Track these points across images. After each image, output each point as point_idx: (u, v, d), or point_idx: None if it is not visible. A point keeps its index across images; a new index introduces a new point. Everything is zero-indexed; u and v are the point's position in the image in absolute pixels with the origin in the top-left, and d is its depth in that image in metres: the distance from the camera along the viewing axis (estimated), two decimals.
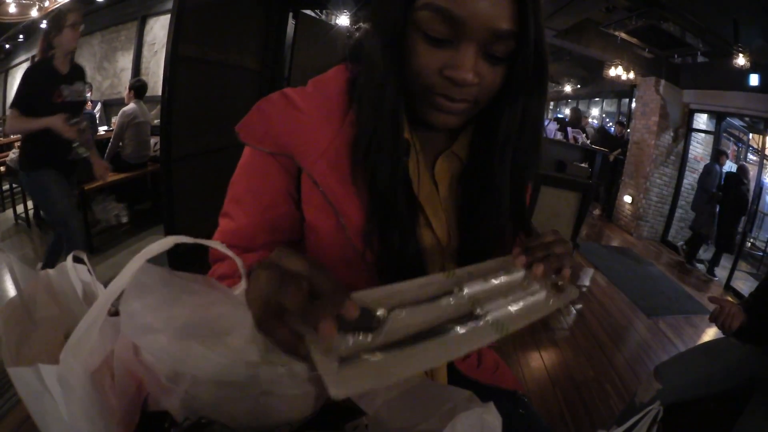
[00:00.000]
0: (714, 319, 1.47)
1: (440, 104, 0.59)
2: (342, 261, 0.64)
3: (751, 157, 6.38)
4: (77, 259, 0.63)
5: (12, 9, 6.21)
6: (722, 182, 5.36)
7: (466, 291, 0.52)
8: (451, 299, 0.51)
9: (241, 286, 0.47)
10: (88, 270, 0.62)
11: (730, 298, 1.54)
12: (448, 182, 0.70)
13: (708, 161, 6.08)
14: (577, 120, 6.50)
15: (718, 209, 5.24)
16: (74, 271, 0.60)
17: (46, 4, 6.24)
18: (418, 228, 0.65)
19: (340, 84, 0.66)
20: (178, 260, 2.93)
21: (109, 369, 0.45)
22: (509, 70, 0.59)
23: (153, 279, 0.42)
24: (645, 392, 1.65)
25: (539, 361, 2.67)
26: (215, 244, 0.47)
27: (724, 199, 5.09)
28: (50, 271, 0.58)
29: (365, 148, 0.61)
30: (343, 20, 4.82)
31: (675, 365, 1.64)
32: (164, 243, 0.42)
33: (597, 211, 7.10)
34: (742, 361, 1.53)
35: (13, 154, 4.37)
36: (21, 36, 7.21)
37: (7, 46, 7.37)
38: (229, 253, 0.46)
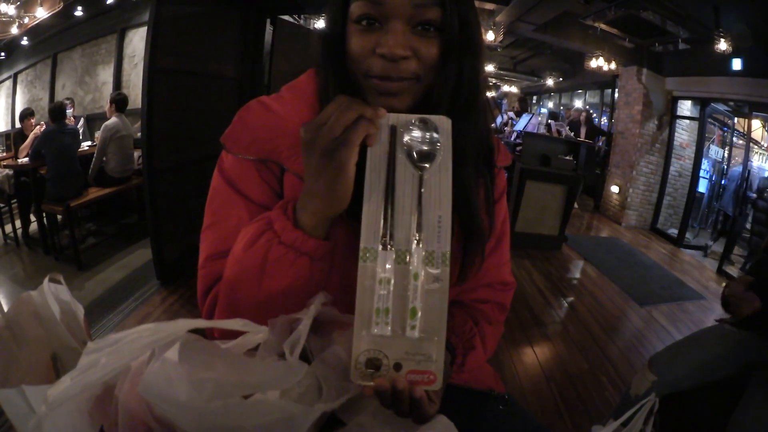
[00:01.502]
0: (726, 305, 1.47)
1: (379, 87, 0.61)
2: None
3: (736, 141, 6.41)
4: (54, 281, 0.63)
5: None
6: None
7: None
8: None
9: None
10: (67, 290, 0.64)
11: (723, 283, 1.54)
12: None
13: (693, 147, 6.12)
14: (590, 122, 6.67)
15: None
16: (50, 294, 0.61)
17: (26, 20, 6.18)
18: None
19: (312, 87, 0.70)
20: (166, 271, 2.93)
21: (101, 411, 0.46)
22: (443, 42, 0.61)
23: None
24: (640, 384, 1.64)
25: (532, 356, 2.67)
26: (230, 323, 0.51)
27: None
28: (32, 292, 0.60)
29: None
30: (322, 24, 4.78)
31: (669, 356, 1.64)
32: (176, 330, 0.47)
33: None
34: (736, 348, 1.53)
35: None
36: (2, 54, 7.15)
37: None
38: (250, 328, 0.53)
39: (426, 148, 0.55)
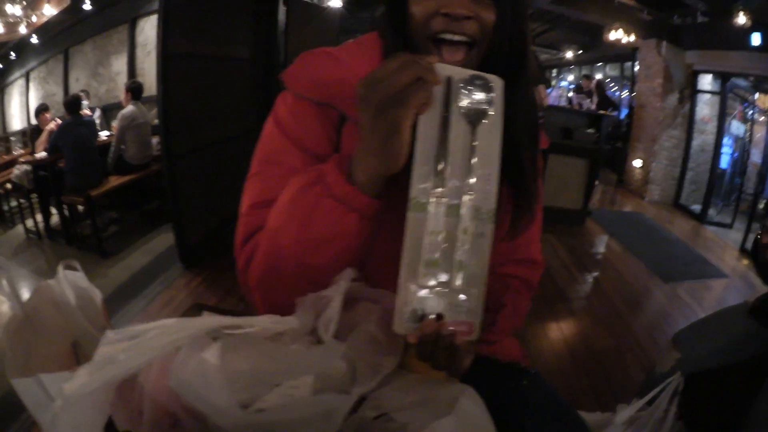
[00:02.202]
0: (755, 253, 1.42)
1: (443, 40, 0.62)
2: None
3: (757, 117, 6.23)
4: (69, 267, 0.62)
5: None
6: None
7: None
8: None
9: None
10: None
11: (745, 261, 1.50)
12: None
13: (715, 122, 5.96)
14: (602, 91, 6.53)
15: None
16: (66, 281, 0.60)
17: (34, 19, 6.20)
18: None
19: (378, 46, 0.70)
20: (189, 254, 2.95)
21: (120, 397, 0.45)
22: (497, 13, 0.63)
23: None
24: (664, 362, 1.60)
25: (558, 332, 2.65)
26: (258, 320, 0.51)
27: None
28: (51, 281, 0.60)
29: None
30: (336, 2, 4.73)
31: (693, 333, 1.60)
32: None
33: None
34: (758, 330, 1.48)
35: (17, 170, 4.39)
36: (13, 54, 7.20)
37: (0, 66, 7.36)
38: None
39: (480, 105, 0.54)
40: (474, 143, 0.54)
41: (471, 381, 0.63)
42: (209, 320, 0.46)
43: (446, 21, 0.61)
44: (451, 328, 0.53)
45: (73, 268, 0.62)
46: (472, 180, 0.53)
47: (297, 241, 0.57)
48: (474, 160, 0.54)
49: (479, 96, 0.54)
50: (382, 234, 0.61)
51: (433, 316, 0.52)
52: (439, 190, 0.52)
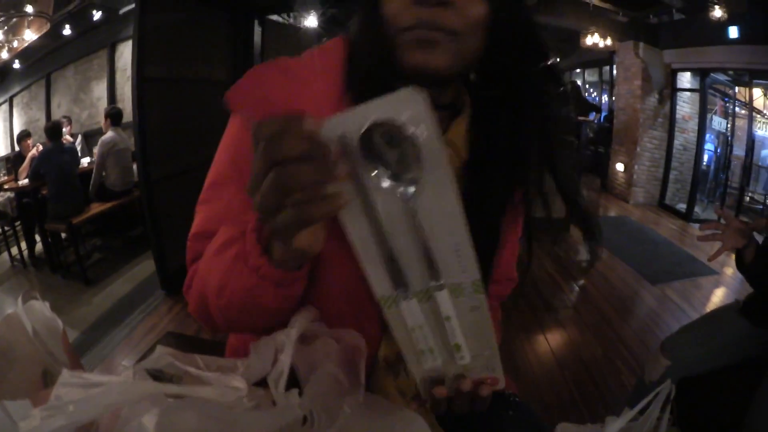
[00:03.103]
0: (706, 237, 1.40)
1: (417, 37, 0.54)
2: None
3: (738, 111, 6.31)
4: (31, 297, 0.63)
5: None
6: None
7: None
8: None
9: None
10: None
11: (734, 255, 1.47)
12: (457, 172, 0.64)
13: (695, 120, 6.02)
14: (578, 95, 6.46)
15: None
16: (27, 311, 0.61)
17: (15, 44, 6.18)
18: None
19: (339, 55, 0.62)
20: (170, 281, 2.92)
21: None
22: (489, 10, 0.55)
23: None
24: (653, 370, 1.58)
25: (544, 343, 2.63)
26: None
27: None
28: (19, 310, 0.60)
29: None
30: (312, 21, 4.75)
31: (682, 339, 1.58)
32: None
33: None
34: (751, 330, 1.47)
35: (0, 198, 4.35)
36: None
37: None
38: None
39: (402, 161, 0.38)
40: (416, 218, 0.42)
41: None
42: (163, 387, 0.45)
43: (418, 11, 0.53)
44: (474, 381, 0.52)
45: (35, 298, 0.62)
46: (436, 257, 0.45)
47: (218, 297, 0.54)
48: (428, 239, 0.43)
49: (395, 136, 0.38)
50: (334, 271, 0.57)
51: (450, 379, 0.52)
52: (400, 283, 0.46)
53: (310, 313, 0.55)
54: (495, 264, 0.68)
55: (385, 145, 0.37)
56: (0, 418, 0.41)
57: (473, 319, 0.48)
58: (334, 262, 0.55)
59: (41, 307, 0.63)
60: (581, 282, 3.58)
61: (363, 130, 0.37)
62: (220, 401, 0.47)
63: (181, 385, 0.47)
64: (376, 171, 0.39)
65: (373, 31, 0.57)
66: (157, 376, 0.48)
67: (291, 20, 4.92)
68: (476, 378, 0.52)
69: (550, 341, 2.66)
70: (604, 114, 7.95)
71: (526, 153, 0.64)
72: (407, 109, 0.36)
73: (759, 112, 6.14)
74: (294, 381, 0.51)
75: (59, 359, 0.59)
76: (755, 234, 1.39)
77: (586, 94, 9.48)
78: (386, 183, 0.39)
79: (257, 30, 3.71)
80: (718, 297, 3.54)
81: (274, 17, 4.07)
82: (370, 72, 0.58)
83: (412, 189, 0.39)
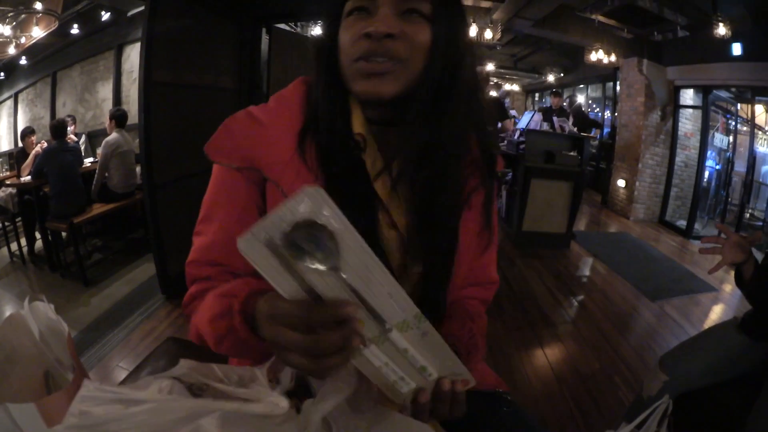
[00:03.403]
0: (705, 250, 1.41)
1: (365, 68, 0.62)
2: None
3: (740, 127, 6.33)
4: (36, 299, 0.62)
5: None
6: None
7: None
8: None
9: None
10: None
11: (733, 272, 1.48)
12: (408, 180, 0.71)
13: (697, 136, 6.05)
14: (576, 109, 6.41)
15: None
16: (33, 312, 0.60)
17: (23, 40, 6.22)
18: (379, 225, 0.68)
19: (299, 96, 0.72)
20: (170, 285, 2.92)
21: None
22: (432, 32, 0.64)
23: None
24: (651, 385, 1.59)
25: (543, 358, 2.63)
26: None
27: None
28: (23, 311, 0.60)
29: (319, 149, 0.67)
30: (319, 31, 4.78)
31: (680, 354, 1.59)
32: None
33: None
34: (749, 345, 1.48)
35: (2, 193, 4.36)
36: (2, 74, 7.21)
37: None
38: None
39: (320, 242, 0.43)
40: (349, 285, 0.45)
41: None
42: (202, 403, 0.45)
43: (369, 42, 0.61)
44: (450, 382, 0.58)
45: (41, 300, 0.62)
46: (376, 308, 0.48)
47: (216, 348, 0.62)
48: (365, 297, 0.47)
49: (312, 244, 0.42)
50: None
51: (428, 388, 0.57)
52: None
53: None
54: (457, 263, 0.74)
55: (306, 240, 0.42)
56: (2, 420, 0.40)
57: (427, 343, 0.55)
58: None
59: (45, 308, 0.62)
60: (580, 297, 3.58)
61: (283, 234, 0.42)
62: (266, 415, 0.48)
63: (229, 401, 0.47)
64: (305, 262, 0.43)
65: (326, 62, 0.67)
66: (192, 389, 0.49)
67: (298, 29, 4.96)
68: (452, 378, 0.58)
69: (549, 356, 2.66)
70: (606, 130, 7.98)
71: (461, 147, 0.71)
72: (311, 204, 0.42)
73: (761, 128, 6.17)
74: (306, 391, 0.54)
75: (62, 362, 0.59)
76: (755, 251, 1.40)
77: (589, 110, 9.52)
78: (316, 266, 0.43)
79: (264, 38, 3.73)
80: (716, 314, 3.55)
81: (282, 26, 4.09)
82: (325, 101, 0.67)
83: (332, 260, 0.44)
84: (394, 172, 0.69)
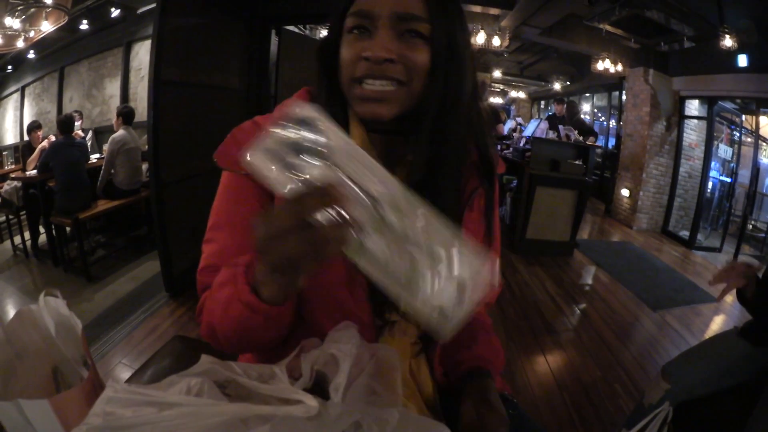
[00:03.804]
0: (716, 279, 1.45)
1: (365, 92, 0.64)
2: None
3: (745, 139, 6.34)
4: (50, 294, 0.63)
5: None
6: None
7: None
8: None
9: None
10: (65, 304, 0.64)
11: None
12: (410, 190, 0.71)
13: (702, 147, 6.05)
14: (573, 114, 6.36)
15: None
16: (47, 308, 0.60)
17: (32, 34, 6.25)
18: None
19: (304, 101, 0.72)
20: (174, 283, 2.93)
21: None
22: (432, 52, 0.64)
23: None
24: (653, 393, 1.61)
25: (544, 365, 2.63)
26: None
27: None
28: (33, 306, 0.60)
29: None
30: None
31: (682, 363, 1.60)
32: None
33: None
34: (750, 354, 1.49)
35: (7, 186, 4.38)
36: (9, 67, 7.24)
37: None
38: None
39: (310, 142, 0.48)
40: (344, 171, 0.48)
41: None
42: (240, 408, 0.43)
43: (367, 66, 0.63)
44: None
45: (54, 295, 0.62)
46: (371, 191, 0.48)
47: (221, 326, 0.63)
48: (359, 180, 0.48)
49: (308, 148, 0.48)
50: (318, 281, 0.66)
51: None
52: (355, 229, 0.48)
53: (354, 331, 0.58)
54: None
55: (300, 142, 0.49)
56: (14, 415, 0.40)
57: (426, 223, 0.50)
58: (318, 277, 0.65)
59: (57, 304, 0.63)
60: (582, 305, 3.58)
61: (280, 141, 0.49)
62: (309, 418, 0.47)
63: (263, 403, 0.47)
64: (301, 158, 0.48)
65: (327, 73, 0.69)
66: (222, 387, 0.49)
67: (307, 32, 4.98)
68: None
69: (550, 362, 2.66)
70: (609, 140, 7.95)
71: (464, 158, 0.73)
72: (302, 108, 0.50)
73: (765, 140, 6.17)
74: (322, 388, 0.54)
75: (71, 358, 0.58)
76: (754, 258, 1.45)
77: (594, 119, 9.52)
78: (310, 161, 0.49)
79: (274, 40, 3.74)
80: (717, 324, 3.55)
81: (291, 28, 4.11)
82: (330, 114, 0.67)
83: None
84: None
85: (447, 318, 0.50)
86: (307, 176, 0.47)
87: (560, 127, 5.18)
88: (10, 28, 5.69)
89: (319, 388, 0.54)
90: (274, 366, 0.54)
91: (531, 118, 10.69)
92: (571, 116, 6.22)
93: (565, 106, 6.45)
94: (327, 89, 0.70)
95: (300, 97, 0.75)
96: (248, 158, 0.47)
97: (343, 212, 0.44)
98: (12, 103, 7.43)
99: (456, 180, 0.73)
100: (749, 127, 6.13)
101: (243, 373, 0.52)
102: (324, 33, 3.98)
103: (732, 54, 4.57)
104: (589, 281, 4.17)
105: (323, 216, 0.43)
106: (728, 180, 6.44)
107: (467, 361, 0.81)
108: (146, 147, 3.75)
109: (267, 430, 0.41)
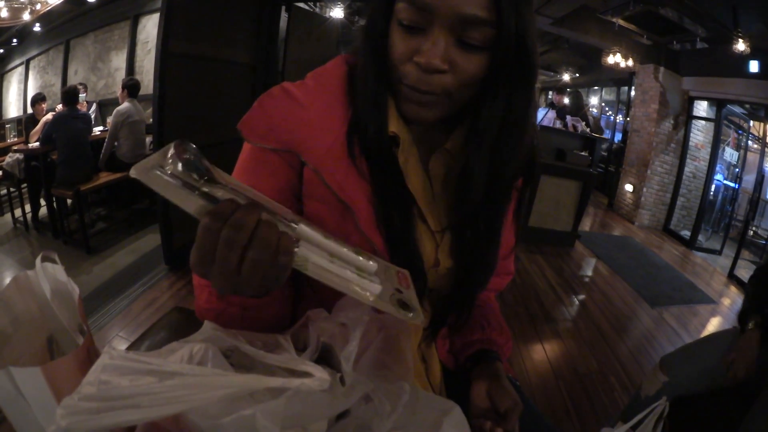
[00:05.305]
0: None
1: (410, 96, 0.60)
2: None
3: (751, 144, 6.31)
4: (48, 259, 0.60)
5: (4, 14, 6.16)
6: None
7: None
8: None
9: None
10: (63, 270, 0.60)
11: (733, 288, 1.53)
12: (443, 179, 0.70)
13: (708, 148, 6.02)
14: (578, 108, 6.33)
15: None
16: (44, 273, 0.57)
17: (38, 7, 6.20)
18: (412, 219, 0.65)
19: (340, 77, 0.66)
20: (174, 257, 2.92)
21: None
22: (490, 61, 0.58)
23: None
24: (650, 385, 1.61)
25: (542, 353, 2.64)
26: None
27: None
28: (29, 272, 0.57)
29: (359, 141, 0.63)
30: (338, 12, 4.77)
31: (681, 357, 1.61)
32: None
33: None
34: None
35: (9, 158, 4.36)
36: (14, 40, 7.18)
37: (1, 50, 7.34)
38: None
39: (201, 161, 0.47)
40: (243, 194, 0.48)
41: (464, 393, 0.72)
42: (249, 379, 0.40)
43: (417, 73, 0.57)
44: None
45: (53, 261, 0.58)
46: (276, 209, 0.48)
47: (206, 314, 0.61)
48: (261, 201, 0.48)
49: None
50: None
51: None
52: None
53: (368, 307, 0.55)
54: (498, 257, 0.74)
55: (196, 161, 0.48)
56: (4, 382, 0.37)
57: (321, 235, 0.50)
58: (326, 224, 0.63)
59: (54, 270, 0.59)
60: (581, 296, 3.59)
61: (175, 159, 0.47)
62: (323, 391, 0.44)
63: (273, 375, 0.43)
64: (201, 180, 0.48)
65: (374, 56, 0.62)
66: (229, 356, 0.47)
67: (317, 9, 4.93)
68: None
69: (548, 351, 2.67)
70: (614, 133, 7.90)
71: (514, 154, 0.66)
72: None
73: None
74: (328, 360, 0.52)
75: (67, 326, 0.55)
76: (753, 264, 1.45)
77: (601, 113, 9.47)
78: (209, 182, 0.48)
79: (283, 16, 3.70)
80: (714, 325, 3.57)
81: (301, 4, 4.07)
82: (370, 93, 0.62)
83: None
84: (430, 173, 0.69)
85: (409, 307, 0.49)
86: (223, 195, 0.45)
87: (568, 117, 5.16)
88: (17, 0, 5.65)
89: (323, 360, 0.51)
90: (279, 335, 0.52)
91: (539, 107, 10.61)
92: (577, 110, 6.18)
93: (565, 97, 6.38)
94: (375, 71, 0.62)
95: (337, 67, 0.68)
96: (136, 173, 0.43)
97: (277, 224, 0.43)
98: (16, 76, 7.37)
99: (509, 189, 0.71)
100: (756, 134, 6.10)
101: (247, 341, 0.50)
102: (335, 12, 3.94)
103: (744, 59, 4.55)
104: (589, 273, 4.17)
105: (259, 230, 0.42)
106: (733, 185, 6.42)
107: (479, 342, 0.80)
108: (151, 120, 3.75)
109: (282, 404, 0.39)
